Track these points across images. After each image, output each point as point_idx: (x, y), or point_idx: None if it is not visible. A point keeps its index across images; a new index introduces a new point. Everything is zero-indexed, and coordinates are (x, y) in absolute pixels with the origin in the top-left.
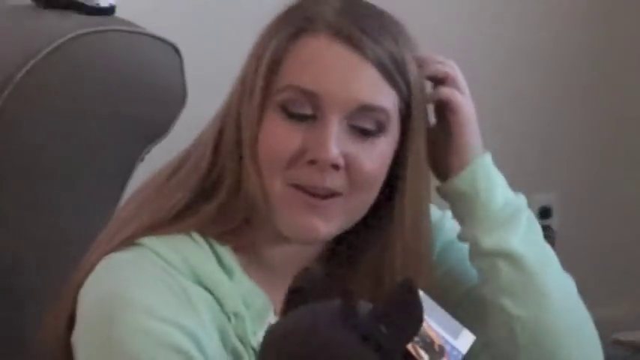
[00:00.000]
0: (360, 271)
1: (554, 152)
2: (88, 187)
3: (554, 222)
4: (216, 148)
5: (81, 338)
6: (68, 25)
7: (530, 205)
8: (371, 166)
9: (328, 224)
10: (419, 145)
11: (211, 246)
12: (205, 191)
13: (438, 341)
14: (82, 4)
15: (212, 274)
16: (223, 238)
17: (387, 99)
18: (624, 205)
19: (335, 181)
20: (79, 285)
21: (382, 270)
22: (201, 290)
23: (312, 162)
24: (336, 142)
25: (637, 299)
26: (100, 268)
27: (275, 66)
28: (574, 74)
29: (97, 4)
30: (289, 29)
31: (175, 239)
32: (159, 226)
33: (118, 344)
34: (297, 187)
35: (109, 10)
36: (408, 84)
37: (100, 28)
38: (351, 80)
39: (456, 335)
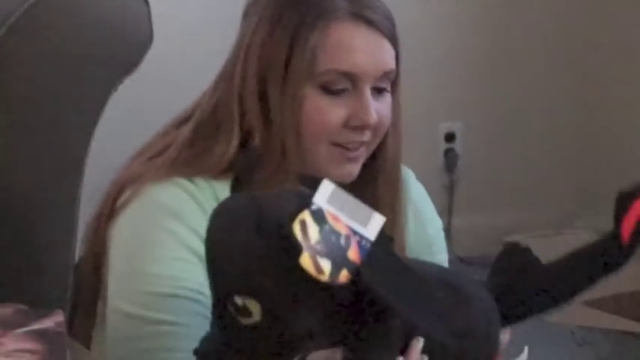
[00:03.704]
0: None
1: (461, 89)
2: (70, 114)
3: (457, 146)
4: (242, 117)
5: (120, 230)
6: None
7: (437, 131)
8: (387, 117)
9: (358, 167)
10: (399, 88)
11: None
12: (240, 150)
13: (344, 231)
14: None
15: None
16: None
17: (393, 60)
18: (514, 132)
19: (368, 135)
20: (120, 190)
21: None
22: None
23: (357, 126)
24: (373, 108)
25: (523, 208)
26: (160, 186)
27: (314, 54)
28: (481, 23)
29: None
30: (316, 19)
31: (221, 184)
32: (212, 174)
33: (150, 239)
34: (339, 145)
35: None
36: (398, 40)
37: None
38: (376, 55)
39: (365, 222)
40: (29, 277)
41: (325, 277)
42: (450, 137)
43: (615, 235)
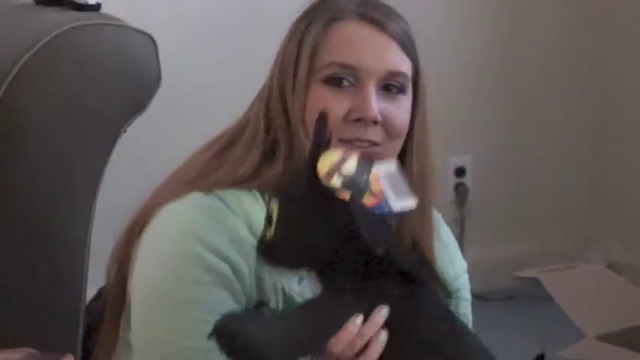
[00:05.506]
0: None
1: (470, 123)
2: (80, 156)
3: (467, 180)
4: (268, 126)
5: (139, 257)
6: (62, 19)
7: (446, 166)
8: (400, 119)
9: None
10: (424, 105)
11: (266, 202)
12: (267, 159)
13: (376, 189)
14: (73, 2)
15: (261, 224)
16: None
17: (405, 66)
18: (524, 165)
19: (375, 134)
20: (147, 212)
21: None
22: (251, 238)
23: (358, 120)
24: (375, 102)
25: (535, 241)
26: (176, 205)
27: (315, 49)
28: (488, 59)
29: (86, 2)
30: (322, 19)
31: (241, 193)
32: (229, 185)
33: (174, 264)
34: (345, 141)
35: (96, 7)
36: (416, 55)
37: (90, 22)
38: (380, 53)
39: (399, 197)
40: (40, 320)
41: (327, 182)
42: (460, 172)
43: None
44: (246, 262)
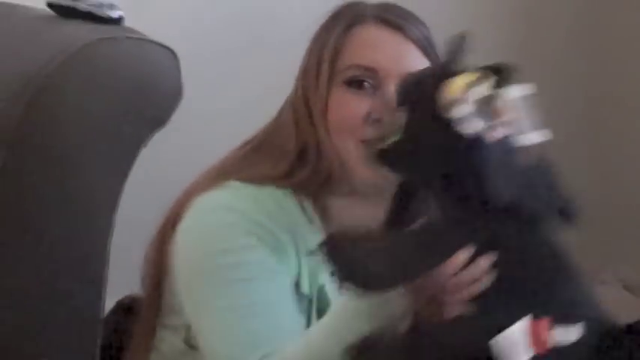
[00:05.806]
0: None
1: None
2: (101, 170)
3: None
4: (297, 130)
5: (178, 247)
6: (84, 33)
7: None
8: None
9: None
10: None
11: (298, 198)
12: (297, 162)
13: (506, 118)
14: (95, 15)
15: (296, 217)
16: (309, 197)
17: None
18: None
19: None
20: (180, 208)
21: None
22: (287, 221)
23: (378, 120)
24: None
25: None
26: (211, 191)
27: (336, 53)
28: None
29: (108, 15)
30: (342, 24)
31: (273, 190)
32: (264, 180)
33: (215, 232)
34: (366, 141)
35: (118, 20)
36: (438, 59)
37: (112, 35)
38: (399, 55)
39: (531, 128)
40: (58, 332)
41: (448, 113)
42: None
43: None
44: (287, 236)
